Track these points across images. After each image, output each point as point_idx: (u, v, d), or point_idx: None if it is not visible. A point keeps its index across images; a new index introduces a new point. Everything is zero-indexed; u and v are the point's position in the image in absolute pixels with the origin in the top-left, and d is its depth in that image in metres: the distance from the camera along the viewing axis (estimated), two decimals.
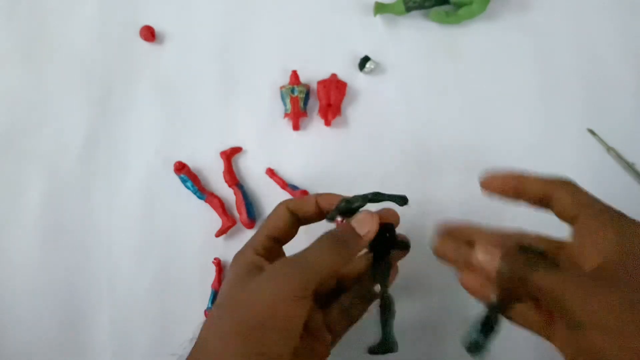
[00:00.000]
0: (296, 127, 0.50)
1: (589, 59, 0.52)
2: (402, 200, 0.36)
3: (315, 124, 0.51)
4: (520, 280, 0.28)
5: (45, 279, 0.49)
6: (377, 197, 0.35)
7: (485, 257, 0.30)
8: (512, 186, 0.32)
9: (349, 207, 0.34)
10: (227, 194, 0.50)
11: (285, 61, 0.52)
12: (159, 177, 0.50)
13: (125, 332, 0.47)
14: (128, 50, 0.54)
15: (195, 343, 0.31)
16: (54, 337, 0.47)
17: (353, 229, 0.33)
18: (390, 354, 0.34)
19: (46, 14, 0.55)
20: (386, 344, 0.34)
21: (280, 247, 0.36)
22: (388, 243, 0.36)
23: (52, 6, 0.55)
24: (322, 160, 0.50)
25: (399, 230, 0.38)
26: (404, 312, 0.47)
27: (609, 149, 0.49)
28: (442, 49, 0.52)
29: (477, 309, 0.32)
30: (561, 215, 0.30)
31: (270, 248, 0.35)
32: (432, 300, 0.47)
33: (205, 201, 0.49)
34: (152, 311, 0.48)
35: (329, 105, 0.50)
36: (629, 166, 0.48)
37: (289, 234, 0.36)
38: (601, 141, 0.49)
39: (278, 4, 0.54)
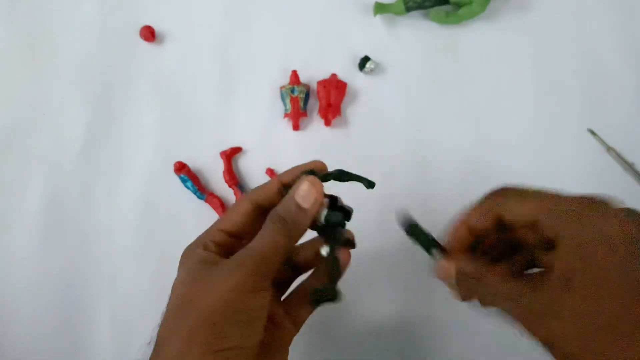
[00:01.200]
0: (296, 127, 0.50)
1: (589, 59, 0.52)
2: (369, 183, 0.34)
3: (315, 124, 0.51)
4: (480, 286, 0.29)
5: (45, 279, 0.49)
6: (342, 175, 0.33)
7: (442, 274, 0.31)
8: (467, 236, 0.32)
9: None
10: (227, 194, 0.50)
11: (285, 61, 0.52)
12: (159, 177, 0.50)
13: (125, 332, 0.47)
14: (128, 50, 0.54)
15: (155, 346, 0.30)
16: (54, 337, 0.47)
17: (297, 204, 0.31)
18: (333, 302, 0.31)
19: (46, 14, 0.55)
20: (330, 292, 0.31)
21: (241, 243, 0.32)
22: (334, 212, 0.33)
23: (52, 6, 0.55)
24: (322, 160, 0.50)
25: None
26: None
27: (609, 149, 0.49)
28: (442, 49, 0.52)
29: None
30: (520, 228, 0.30)
31: (226, 244, 0.32)
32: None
33: (205, 201, 0.49)
34: (152, 311, 0.48)
35: (329, 105, 0.50)
36: (629, 166, 0.48)
37: (252, 227, 0.32)
38: (601, 141, 0.49)
39: (278, 4, 0.54)
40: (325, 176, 0.33)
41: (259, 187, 0.34)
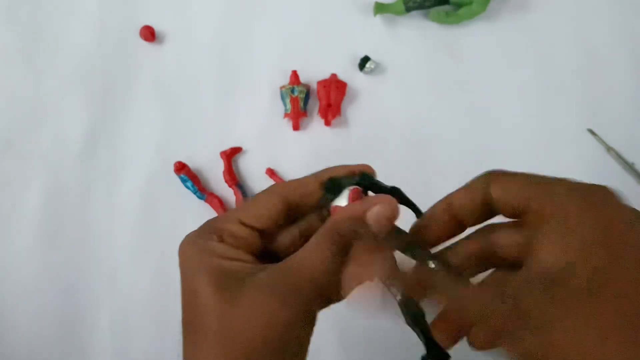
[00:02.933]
0: (296, 127, 0.50)
1: (589, 59, 0.52)
2: (418, 213, 0.28)
3: (315, 124, 0.51)
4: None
5: (45, 279, 0.49)
6: (394, 194, 0.28)
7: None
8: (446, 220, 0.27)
9: (338, 186, 0.27)
10: (227, 194, 0.50)
11: (285, 61, 0.52)
12: (159, 177, 0.50)
13: (125, 332, 0.47)
14: (128, 50, 0.54)
15: None
16: (53, 336, 0.47)
17: (362, 220, 0.25)
18: None
19: (46, 14, 0.55)
20: (435, 354, 0.24)
21: (262, 242, 0.28)
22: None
23: (52, 6, 0.55)
24: (322, 160, 0.50)
25: None
26: None
27: (609, 149, 0.49)
28: (442, 49, 0.52)
29: None
30: (507, 212, 0.25)
31: (246, 239, 0.27)
32: None
33: (205, 201, 0.49)
34: (152, 311, 0.48)
35: (329, 105, 0.50)
36: (629, 166, 0.48)
37: (277, 226, 0.28)
38: (601, 141, 0.49)
39: (278, 4, 0.54)
40: (377, 188, 0.28)
41: (292, 182, 0.28)
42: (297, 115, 0.50)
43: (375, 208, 0.25)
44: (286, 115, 0.50)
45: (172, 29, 0.54)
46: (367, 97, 0.52)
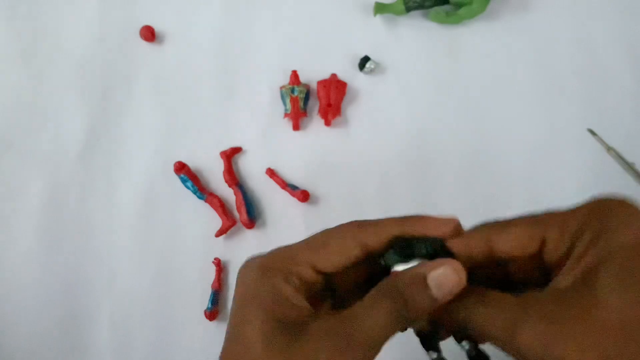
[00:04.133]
0: (296, 127, 0.50)
1: (589, 59, 0.52)
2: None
3: (315, 124, 0.51)
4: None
5: (45, 279, 0.49)
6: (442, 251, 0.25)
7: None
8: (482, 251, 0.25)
9: (409, 251, 0.25)
10: (227, 194, 0.50)
11: (285, 61, 0.52)
12: (159, 177, 0.50)
13: (125, 332, 0.47)
14: (128, 50, 0.54)
15: None
16: (54, 337, 0.47)
17: (424, 285, 0.23)
18: None
19: (46, 14, 0.55)
20: None
21: (322, 285, 0.26)
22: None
23: (52, 6, 0.55)
24: (322, 160, 0.50)
25: None
26: None
27: (609, 149, 0.49)
28: (442, 49, 0.52)
29: None
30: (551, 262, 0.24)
31: (312, 284, 0.25)
32: None
33: (205, 201, 0.49)
34: (152, 311, 0.48)
35: (329, 105, 0.50)
36: (629, 166, 0.48)
37: (348, 273, 0.26)
38: (601, 141, 0.49)
39: (278, 4, 0.54)
40: (432, 245, 0.25)
41: (370, 225, 0.26)
42: (297, 115, 0.50)
43: (440, 270, 0.23)
44: (286, 115, 0.50)
45: (172, 29, 0.54)
46: (367, 97, 0.52)
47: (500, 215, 0.27)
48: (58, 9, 0.55)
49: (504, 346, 0.21)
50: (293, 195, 0.48)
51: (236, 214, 0.49)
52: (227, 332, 0.25)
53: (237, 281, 0.26)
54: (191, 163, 0.50)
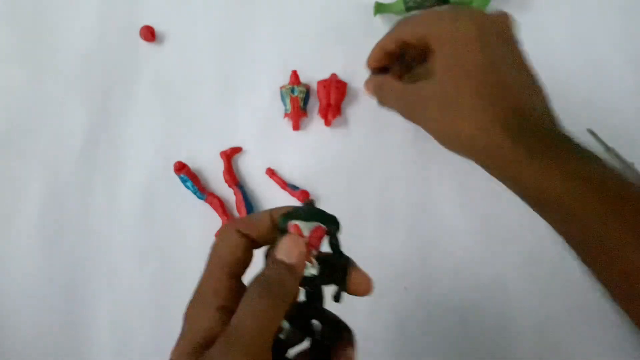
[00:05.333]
0: (296, 127, 0.50)
1: (589, 59, 0.52)
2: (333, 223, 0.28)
3: (315, 124, 0.51)
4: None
5: (45, 279, 0.49)
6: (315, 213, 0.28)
7: (367, 88, 0.44)
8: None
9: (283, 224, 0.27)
10: (227, 194, 0.50)
11: (285, 61, 0.52)
12: (159, 177, 0.50)
13: (125, 332, 0.47)
14: (128, 50, 0.54)
15: None
16: (53, 336, 0.47)
17: (282, 263, 0.26)
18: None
19: (46, 14, 0.55)
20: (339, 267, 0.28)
21: (240, 283, 0.28)
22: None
23: (52, 6, 0.55)
24: (322, 160, 0.50)
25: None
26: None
27: (609, 149, 0.49)
28: None
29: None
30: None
31: (235, 290, 0.27)
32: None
33: (205, 201, 0.49)
34: (152, 311, 0.48)
35: (329, 105, 0.50)
36: (628, 166, 0.48)
37: (246, 263, 0.28)
38: (601, 141, 0.49)
39: (278, 4, 0.54)
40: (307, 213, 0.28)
41: (246, 218, 0.30)
42: (297, 115, 0.50)
43: (282, 242, 0.27)
44: (286, 115, 0.50)
45: (172, 29, 0.54)
46: (367, 97, 0.52)
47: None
48: (58, 9, 0.55)
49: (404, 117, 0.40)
50: (293, 195, 0.48)
51: (236, 214, 0.49)
52: None
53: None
54: (191, 163, 0.50)
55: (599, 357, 0.44)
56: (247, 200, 0.49)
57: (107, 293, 0.48)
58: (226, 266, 0.27)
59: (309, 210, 0.28)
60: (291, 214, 0.27)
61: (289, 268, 0.26)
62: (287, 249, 0.26)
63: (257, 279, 0.26)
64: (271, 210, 0.29)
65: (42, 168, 0.51)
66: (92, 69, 0.53)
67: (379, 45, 0.41)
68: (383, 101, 0.42)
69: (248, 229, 0.28)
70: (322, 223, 0.28)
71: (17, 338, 0.48)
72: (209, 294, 0.26)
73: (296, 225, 0.27)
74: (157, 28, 0.54)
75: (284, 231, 0.27)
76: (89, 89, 0.53)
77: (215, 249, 0.29)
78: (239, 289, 0.27)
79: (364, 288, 0.29)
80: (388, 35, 0.40)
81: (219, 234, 0.29)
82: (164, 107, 0.52)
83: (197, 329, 0.26)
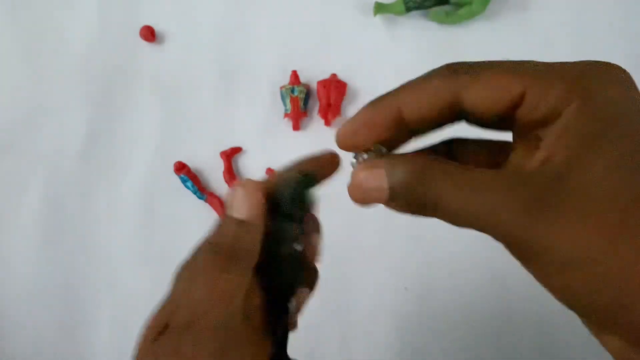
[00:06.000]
0: (296, 127, 0.50)
1: (589, 59, 0.52)
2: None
3: (315, 124, 0.51)
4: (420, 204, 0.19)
5: (45, 279, 0.49)
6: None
7: (367, 189, 0.20)
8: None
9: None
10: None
11: (285, 61, 0.52)
12: (159, 177, 0.50)
13: (125, 332, 0.47)
14: (128, 50, 0.54)
15: None
16: (54, 337, 0.47)
17: (232, 219, 0.23)
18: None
19: (46, 14, 0.55)
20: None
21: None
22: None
23: (52, 6, 0.55)
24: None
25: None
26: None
27: None
28: (442, 49, 0.52)
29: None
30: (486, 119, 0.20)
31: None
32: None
33: (205, 201, 0.49)
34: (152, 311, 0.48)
35: (329, 105, 0.50)
36: None
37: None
38: None
39: (278, 4, 0.54)
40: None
41: (267, 180, 0.25)
42: (297, 115, 0.50)
43: (236, 196, 0.23)
44: (286, 115, 0.50)
45: (172, 29, 0.54)
46: (367, 97, 0.52)
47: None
48: (58, 9, 0.55)
49: (484, 231, 0.18)
50: None
51: None
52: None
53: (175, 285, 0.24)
54: (191, 163, 0.50)
55: (599, 357, 0.44)
56: None
57: (107, 293, 0.48)
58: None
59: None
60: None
61: (242, 225, 0.22)
62: (237, 202, 0.23)
63: (205, 245, 0.23)
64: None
65: (42, 168, 0.51)
66: (93, 69, 0.53)
67: (392, 104, 0.22)
68: (424, 199, 0.19)
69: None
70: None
71: (17, 338, 0.48)
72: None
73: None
74: (157, 28, 0.54)
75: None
76: (89, 89, 0.53)
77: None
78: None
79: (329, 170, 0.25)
80: (417, 86, 0.23)
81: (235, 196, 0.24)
82: (164, 107, 0.52)
83: None
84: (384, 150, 0.21)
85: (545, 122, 0.18)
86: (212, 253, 0.22)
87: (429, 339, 0.46)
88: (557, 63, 0.19)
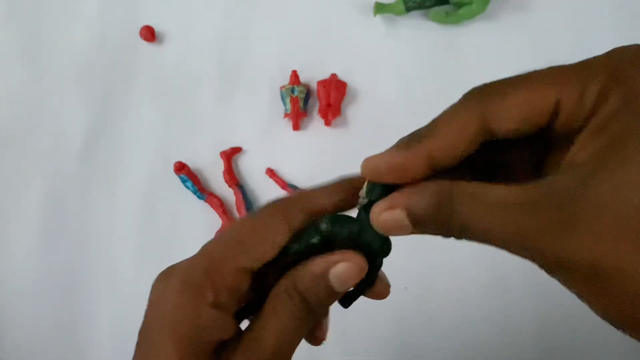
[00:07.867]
0: (296, 127, 0.50)
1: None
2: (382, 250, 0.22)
3: (315, 124, 0.51)
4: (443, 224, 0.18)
5: (45, 279, 0.49)
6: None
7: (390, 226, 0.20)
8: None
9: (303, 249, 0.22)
10: (227, 194, 0.50)
11: (285, 61, 0.52)
12: (159, 177, 0.50)
13: (125, 332, 0.47)
14: (128, 50, 0.54)
15: None
16: (53, 336, 0.47)
17: (326, 284, 0.21)
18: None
19: (46, 14, 0.55)
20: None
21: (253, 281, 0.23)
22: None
23: (52, 6, 0.55)
24: (322, 160, 0.50)
25: None
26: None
27: None
28: (442, 49, 0.52)
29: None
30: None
31: (240, 293, 0.22)
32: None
33: (205, 201, 0.49)
34: None
35: (329, 105, 0.50)
36: None
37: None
38: None
39: (278, 4, 0.54)
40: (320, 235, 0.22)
41: (300, 197, 0.23)
42: (297, 115, 0.50)
43: (341, 267, 0.21)
44: (286, 115, 0.50)
45: (172, 29, 0.54)
46: (367, 97, 0.52)
47: None
48: (58, 9, 0.55)
49: (513, 252, 0.17)
50: None
51: (236, 214, 0.49)
52: (136, 346, 0.24)
53: (150, 299, 0.24)
54: (191, 163, 0.50)
55: (598, 357, 0.44)
56: (247, 200, 0.49)
57: (107, 293, 0.48)
58: (251, 260, 0.22)
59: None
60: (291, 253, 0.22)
61: (334, 295, 0.22)
62: (343, 276, 0.21)
63: (292, 293, 0.21)
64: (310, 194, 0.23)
65: (42, 167, 0.51)
66: (93, 69, 0.53)
67: (423, 154, 0.21)
68: (451, 225, 0.18)
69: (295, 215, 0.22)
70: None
71: (17, 338, 0.48)
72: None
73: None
74: (157, 28, 0.54)
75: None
76: (89, 89, 0.53)
77: (246, 233, 0.23)
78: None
79: (384, 293, 0.25)
80: (448, 120, 0.22)
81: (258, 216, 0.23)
82: (164, 107, 0.52)
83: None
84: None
85: (584, 125, 0.17)
86: (290, 296, 0.22)
87: (429, 339, 0.46)
88: (586, 60, 0.18)
